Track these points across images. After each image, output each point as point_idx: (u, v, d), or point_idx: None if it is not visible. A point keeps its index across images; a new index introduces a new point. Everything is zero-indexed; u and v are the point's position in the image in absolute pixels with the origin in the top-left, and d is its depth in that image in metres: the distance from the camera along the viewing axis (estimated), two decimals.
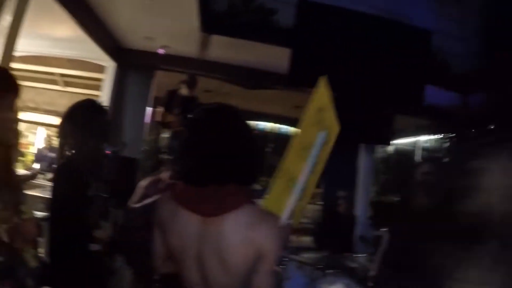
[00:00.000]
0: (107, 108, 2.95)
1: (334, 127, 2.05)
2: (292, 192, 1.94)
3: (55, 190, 2.64)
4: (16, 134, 1.95)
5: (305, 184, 1.95)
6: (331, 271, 4.60)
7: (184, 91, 6.35)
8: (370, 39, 5.81)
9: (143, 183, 3.04)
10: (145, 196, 2.75)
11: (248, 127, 1.76)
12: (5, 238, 1.74)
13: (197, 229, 1.65)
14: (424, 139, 10.88)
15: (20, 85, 1.96)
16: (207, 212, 1.64)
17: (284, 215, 1.91)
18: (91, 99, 2.96)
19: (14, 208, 1.85)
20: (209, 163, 1.65)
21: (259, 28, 5.70)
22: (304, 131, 1.97)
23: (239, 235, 1.60)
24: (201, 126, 1.71)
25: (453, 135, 8.26)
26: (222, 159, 1.65)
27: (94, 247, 2.65)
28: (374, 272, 4.03)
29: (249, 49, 6.27)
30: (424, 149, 11.05)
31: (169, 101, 6.47)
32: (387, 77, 5.91)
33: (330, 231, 6.02)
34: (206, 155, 1.65)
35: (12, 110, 1.91)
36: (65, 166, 2.68)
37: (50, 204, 2.65)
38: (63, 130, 2.73)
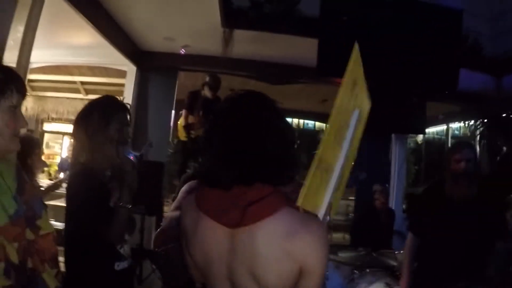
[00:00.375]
0: (128, 105, 2.57)
1: (365, 103, 1.80)
2: (328, 182, 1.63)
3: (69, 202, 2.32)
4: (15, 141, 1.65)
5: (341, 172, 1.67)
6: (369, 270, 4.40)
7: (206, 92, 6.22)
8: (399, 23, 5.55)
9: (185, 188, 2.81)
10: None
11: (281, 117, 1.48)
12: (15, 259, 1.52)
13: (224, 242, 1.39)
14: (455, 126, 10.54)
15: (24, 87, 1.69)
16: (233, 221, 1.36)
17: (322, 211, 1.61)
18: (110, 95, 2.61)
19: (27, 223, 1.63)
20: (232, 159, 1.38)
21: (282, 19, 5.51)
22: (339, 111, 1.60)
23: (276, 247, 1.33)
24: (224, 115, 1.45)
25: (486, 120, 7.95)
26: (249, 153, 1.38)
27: (120, 265, 2.35)
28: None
29: (272, 42, 6.08)
30: (455, 137, 10.72)
31: (192, 103, 6.33)
32: (419, 62, 5.64)
33: (368, 228, 5.77)
34: (229, 149, 1.39)
35: (9, 113, 1.62)
36: (80, 173, 2.33)
37: (65, 220, 2.32)
38: (78, 131, 2.38)
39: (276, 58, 6.99)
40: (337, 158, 1.64)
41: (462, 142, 3.79)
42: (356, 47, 1.73)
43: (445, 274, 3.19)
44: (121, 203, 2.31)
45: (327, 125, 1.57)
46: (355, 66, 1.70)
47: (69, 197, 2.33)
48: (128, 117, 2.51)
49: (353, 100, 1.69)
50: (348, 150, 1.67)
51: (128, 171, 2.41)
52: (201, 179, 1.48)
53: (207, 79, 6.25)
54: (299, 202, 1.42)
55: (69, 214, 2.30)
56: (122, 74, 7.24)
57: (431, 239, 3.33)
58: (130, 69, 6.99)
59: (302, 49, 5.90)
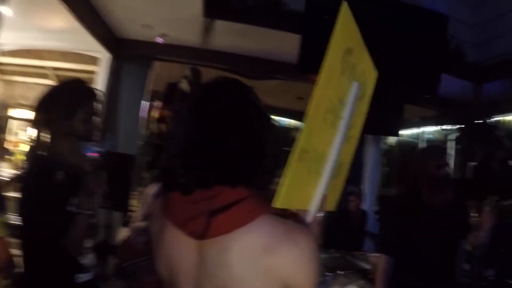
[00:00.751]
0: (99, 92, 2.23)
1: (368, 73, 1.54)
2: (321, 173, 1.35)
3: (21, 206, 1.96)
4: None
5: (339, 157, 1.39)
6: (342, 272, 4.32)
7: (185, 86, 6.03)
8: (383, 23, 5.48)
9: (150, 190, 2.52)
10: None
11: (258, 108, 1.29)
12: None
13: (191, 255, 1.18)
14: (429, 130, 10.59)
15: None
16: (198, 231, 1.14)
17: (313, 206, 1.33)
18: (79, 78, 2.28)
19: None
20: (194, 156, 1.17)
21: (266, 12, 5.38)
22: (325, 88, 1.28)
23: (253, 264, 1.11)
24: (190, 106, 1.26)
25: (462, 126, 8.01)
26: (213, 149, 1.17)
27: (81, 278, 2.05)
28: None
29: (253, 36, 5.95)
30: (428, 141, 10.78)
31: (168, 95, 6.13)
32: (400, 64, 5.59)
33: (340, 229, 5.73)
34: (191, 145, 1.19)
35: None
36: (35, 168, 2.00)
37: (19, 226, 1.96)
38: (37, 119, 2.05)
39: (255, 52, 6.85)
40: (331, 142, 1.36)
41: (439, 147, 3.74)
42: (345, 7, 1.36)
43: (421, 279, 3.14)
44: (79, 210, 1.97)
45: (309, 110, 1.24)
46: (345, 31, 1.38)
47: (20, 200, 1.98)
48: (98, 106, 2.20)
49: (348, 72, 1.38)
50: (347, 130, 1.40)
51: (89, 172, 2.06)
52: (161, 180, 1.28)
53: (187, 72, 6.08)
54: (276, 203, 1.14)
55: (21, 216, 1.97)
56: (95, 61, 7.00)
57: (408, 251, 3.22)
58: (104, 56, 6.76)
59: (282, 44, 5.80)
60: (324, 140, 1.34)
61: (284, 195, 1.16)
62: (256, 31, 5.63)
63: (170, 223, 1.22)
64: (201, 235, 1.14)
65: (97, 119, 2.21)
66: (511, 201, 5.50)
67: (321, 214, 1.34)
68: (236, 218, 1.13)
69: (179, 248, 1.21)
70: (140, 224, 2.54)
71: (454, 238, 3.28)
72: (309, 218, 1.30)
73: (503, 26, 6.05)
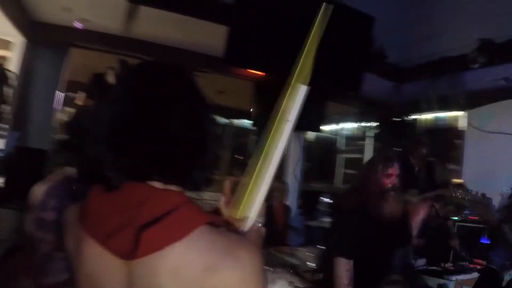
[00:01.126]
0: (11, 74, 1.94)
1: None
2: (265, 177, 1.24)
3: None
4: None
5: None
6: (270, 268, 4.29)
7: (111, 78, 5.72)
8: (309, 20, 5.49)
9: (40, 188, 2.17)
10: (47, 208, 2.00)
11: (197, 94, 1.10)
12: None
13: (118, 277, 0.97)
14: (348, 126, 10.86)
15: None
16: (125, 250, 0.93)
17: (253, 213, 1.21)
18: None
19: None
20: (119, 145, 0.99)
21: (193, 1, 5.23)
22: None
23: (192, 286, 0.93)
24: (130, 83, 1.06)
25: (378, 124, 8.27)
26: (143, 137, 0.99)
27: None
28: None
29: (178, 25, 5.75)
30: (347, 137, 11.06)
31: (92, 86, 5.80)
32: (325, 61, 5.62)
33: (265, 225, 5.69)
34: (116, 133, 1.00)
35: None
36: None
37: None
38: None
39: (179, 42, 6.66)
40: (276, 146, 1.27)
41: (389, 155, 3.75)
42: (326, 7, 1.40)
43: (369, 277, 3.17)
44: None
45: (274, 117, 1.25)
46: (319, 31, 1.41)
47: None
48: (8, 91, 1.98)
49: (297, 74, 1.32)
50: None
51: None
52: (79, 175, 1.09)
53: (115, 63, 5.77)
54: (238, 211, 1.08)
55: None
56: (7, 45, 6.44)
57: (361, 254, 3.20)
58: (18, 40, 6.25)
59: (208, 36, 5.69)
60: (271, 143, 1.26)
61: (245, 203, 1.09)
62: (181, 20, 5.47)
63: (89, 236, 1.00)
64: (127, 254, 0.93)
65: (6, 107, 1.95)
66: (430, 194, 5.78)
67: (260, 222, 1.23)
68: (171, 231, 0.93)
69: (103, 269, 0.99)
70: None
71: (401, 244, 3.34)
72: (247, 226, 1.19)
73: (425, 30, 6.34)
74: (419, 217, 3.37)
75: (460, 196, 2.87)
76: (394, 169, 3.25)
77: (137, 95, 1.02)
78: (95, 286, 1.01)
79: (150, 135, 0.99)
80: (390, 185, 3.20)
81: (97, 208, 1.00)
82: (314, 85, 1.27)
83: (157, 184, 1.00)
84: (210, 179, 1.09)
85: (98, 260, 0.99)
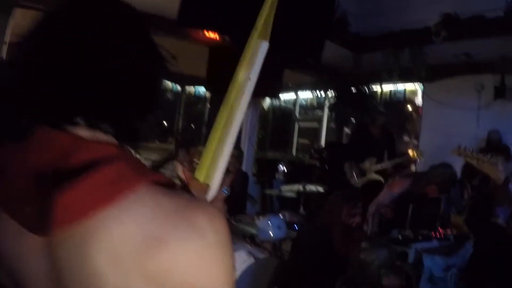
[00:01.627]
0: None
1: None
2: (226, 142, 1.11)
3: None
4: None
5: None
6: None
7: None
8: None
9: None
10: None
11: (146, 34, 0.86)
12: None
13: (39, 258, 0.71)
14: (303, 95, 10.78)
15: None
16: (34, 220, 0.68)
17: (215, 180, 1.05)
18: None
19: None
20: (50, 76, 0.72)
21: None
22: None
23: (132, 264, 0.66)
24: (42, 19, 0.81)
25: (336, 93, 8.21)
26: (63, 71, 0.72)
27: None
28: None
29: None
30: (303, 106, 11.00)
31: None
32: (285, 28, 5.46)
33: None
34: (33, 66, 0.74)
35: None
36: None
37: None
38: None
39: (128, 1, 6.29)
40: (238, 108, 1.14)
41: (353, 194, 3.75)
42: None
43: None
44: None
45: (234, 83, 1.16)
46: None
47: None
48: None
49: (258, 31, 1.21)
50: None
51: None
52: None
53: None
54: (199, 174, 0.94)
55: None
56: None
57: None
58: None
59: None
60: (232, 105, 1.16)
61: (208, 169, 1.02)
62: None
63: None
64: (40, 226, 0.67)
65: None
66: (389, 163, 5.82)
67: (225, 190, 1.04)
68: (98, 193, 0.67)
69: (18, 247, 0.74)
70: None
71: None
72: (211, 194, 1.03)
73: (389, 0, 6.28)
74: (397, 190, 3.46)
75: (471, 156, 2.86)
76: (358, 209, 3.35)
77: (61, 21, 0.79)
78: (13, 272, 0.76)
79: (74, 63, 0.73)
80: (354, 224, 3.30)
81: (2, 166, 0.73)
82: (274, 46, 1.15)
83: (82, 132, 0.74)
84: (150, 130, 0.84)
85: (12, 238, 0.74)
